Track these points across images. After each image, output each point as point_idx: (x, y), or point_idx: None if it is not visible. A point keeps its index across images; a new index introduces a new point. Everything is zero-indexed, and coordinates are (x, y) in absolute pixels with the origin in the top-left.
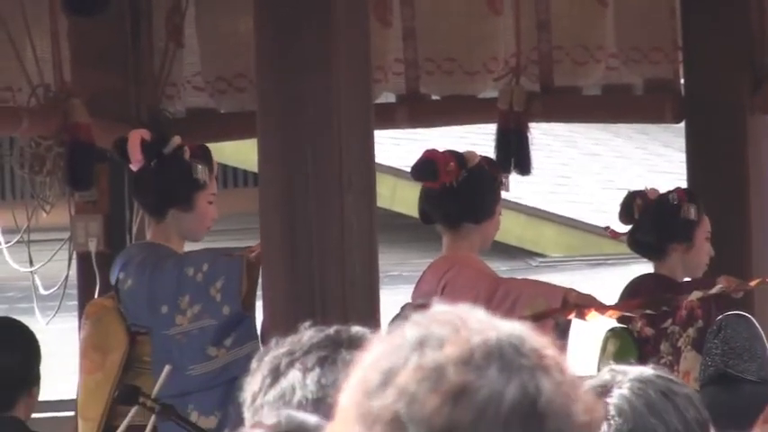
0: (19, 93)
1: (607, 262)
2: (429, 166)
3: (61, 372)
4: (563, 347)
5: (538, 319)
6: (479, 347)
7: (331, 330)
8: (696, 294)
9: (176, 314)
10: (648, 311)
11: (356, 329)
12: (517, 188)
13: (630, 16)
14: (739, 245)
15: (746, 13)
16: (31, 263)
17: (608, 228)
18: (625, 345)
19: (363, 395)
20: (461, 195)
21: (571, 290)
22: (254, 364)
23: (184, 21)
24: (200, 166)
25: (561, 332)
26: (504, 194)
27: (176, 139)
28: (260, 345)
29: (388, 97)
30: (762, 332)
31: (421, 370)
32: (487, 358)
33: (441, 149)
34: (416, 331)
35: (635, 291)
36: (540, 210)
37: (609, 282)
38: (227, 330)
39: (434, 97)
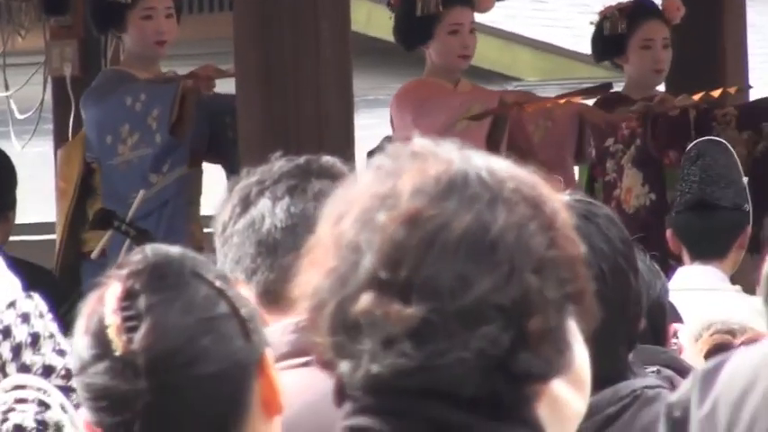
0: None
1: (582, 86)
2: None
3: (37, 195)
4: (501, 145)
5: (478, 118)
6: (438, 177)
7: (301, 160)
8: (622, 110)
9: (118, 144)
10: (585, 100)
11: (326, 159)
12: (493, 12)
13: None
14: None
15: None
16: (7, 87)
17: None
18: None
19: (331, 224)
20: (396, 20)
21: (506, 91)
22: (224, 194)
23: None
24: None
25: (499, 131)
26: (479, 18)
27: None
28: (187, 169)
29: None
30: (737, 159)
31: (377, 198)
32: (447, 188)
33: None
34: (381, 162)
35: None
36: (515, 34)
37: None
38: (163, 157)
39: None
